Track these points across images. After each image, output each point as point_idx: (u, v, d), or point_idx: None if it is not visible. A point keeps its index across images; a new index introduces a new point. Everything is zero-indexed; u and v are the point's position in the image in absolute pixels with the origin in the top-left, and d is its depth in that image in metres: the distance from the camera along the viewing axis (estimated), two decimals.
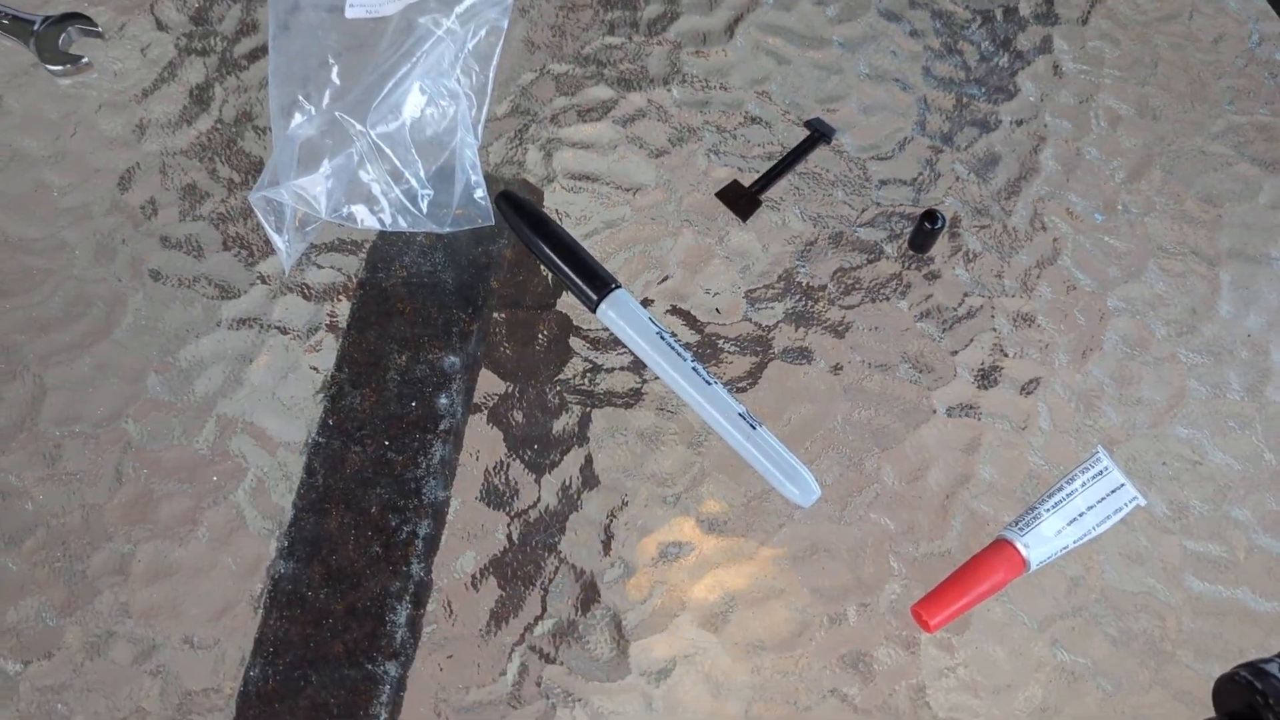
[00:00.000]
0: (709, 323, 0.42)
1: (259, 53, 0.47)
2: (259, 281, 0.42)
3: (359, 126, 0.41)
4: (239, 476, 0.39)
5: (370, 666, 0.36)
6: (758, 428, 0.39)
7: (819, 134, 0.46)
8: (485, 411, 0.40)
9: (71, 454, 0.39)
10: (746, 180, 0.45)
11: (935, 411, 0.41)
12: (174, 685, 0.36)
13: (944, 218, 0.42)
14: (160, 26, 0.48)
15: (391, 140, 0.41)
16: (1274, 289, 0.45)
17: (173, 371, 0.40)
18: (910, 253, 0.44)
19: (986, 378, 0.42)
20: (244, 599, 0.37)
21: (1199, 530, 0.40)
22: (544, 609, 0.37)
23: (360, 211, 0.41)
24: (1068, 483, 0.39)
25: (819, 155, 0.46)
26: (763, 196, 0.44)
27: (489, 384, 0.41)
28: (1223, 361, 0.43)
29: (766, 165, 0.45)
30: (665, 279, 0.43)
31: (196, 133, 0.45)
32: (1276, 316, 0.44)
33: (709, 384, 0.39)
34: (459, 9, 0.44)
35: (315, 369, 0.41)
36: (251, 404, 0.40)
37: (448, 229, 0.41)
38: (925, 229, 0.42)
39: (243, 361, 0.41)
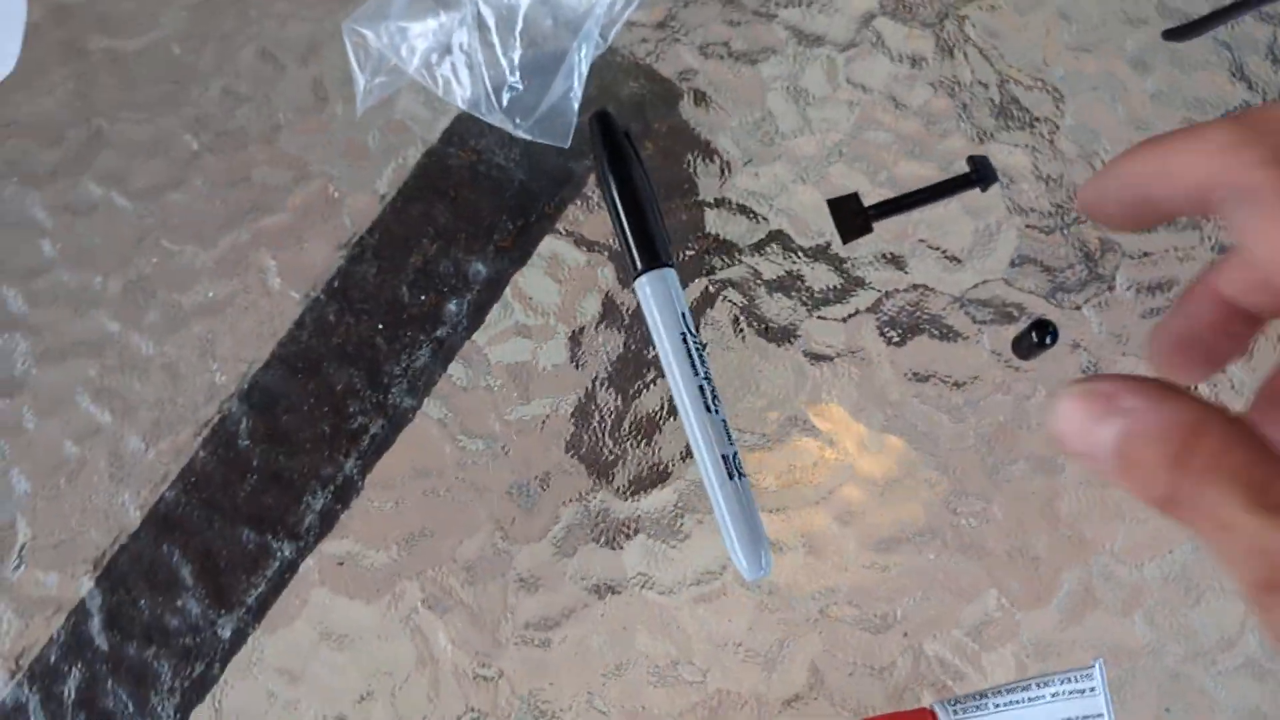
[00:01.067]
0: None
1: None
2: (326, 105, 0.40)
3: None
4: (238, 299, 0.38)
5: (270, 538, 0.36)
6: (735, 479, 0.35)
7: (977, 177, 0.38)
8: (489, 335, 0.38)
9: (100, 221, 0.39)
10: (875, 196, 0.39)
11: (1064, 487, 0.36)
12: (116, 455, 0.37)
13: (1056, 333, 0.35)
14: None
15: (505, 12, 0.37)
16: None
17: (207, 168, 0.39)
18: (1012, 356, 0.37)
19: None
20: (192, 423, 0.37)
21: None
22: (454, 559, 0.36)
23: (446, 80, 0.38)
24: (1041, 684, 0.34)
25: (972, 199, 0.39)
26: (876, 225, 0.38)
27: (501, 314, 0.38)
28: None
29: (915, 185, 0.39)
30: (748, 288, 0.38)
31: None
32: None
33: (709, 409, 0.35)
34: None
35: (346, 224, 0.39)
36: (287, 227, 0.39)
37: (520, 133, 0.38)
38: (1032, 341, 0.36)
39: (285, 190, 0.39)
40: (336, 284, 0.38)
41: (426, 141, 0.40)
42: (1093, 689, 0.34)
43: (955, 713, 0.33)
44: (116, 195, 0.39)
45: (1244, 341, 0.22)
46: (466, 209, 0.39)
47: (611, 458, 0.37)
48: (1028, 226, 0.39)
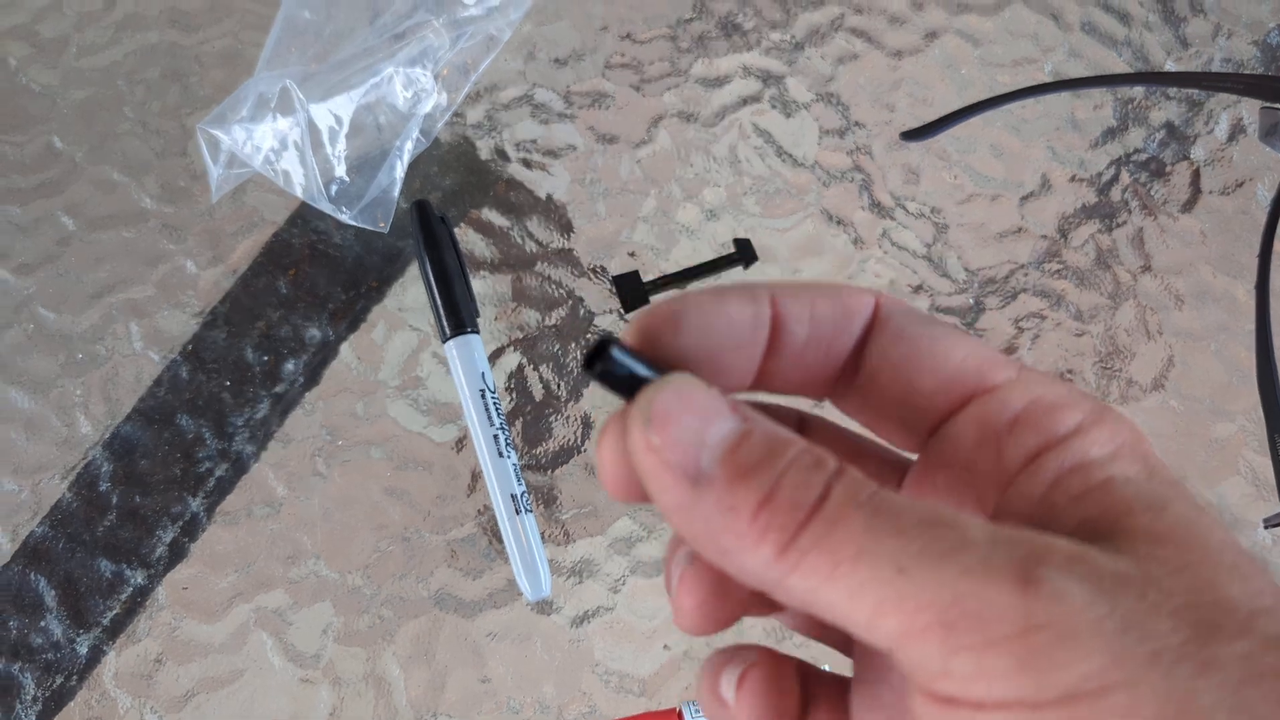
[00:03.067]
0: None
1: None
2: (186, 195, 0.46)
3: (302, 100, 0.43)
4: (104, 360, 0.44)
5: (124, 567, 0.42)
6: (522, 514, 0.41)
7: (740, 256, 0.45)
8: (320, 388, 0.44)
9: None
10: (652, 273, 0.45)
11: None
12: None
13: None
14: None
15: (334, 118, 0.44)
16: None
17: (79, 248, 0.46)
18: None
19: None
20: (60, 468, 0.43)
21: None
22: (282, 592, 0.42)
23: (285, 173, 0.44)
24: None
25: (737, 274, 0.46)
26: (654, 297, 0.45)
27: (335, 372, 0.44)
28: None
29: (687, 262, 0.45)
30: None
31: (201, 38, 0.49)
32: None
33: (502, 455, 0.42)
34: (468, 10, 0.45)
35: (201, 295, 0.45)
36: (149, 297, 0.45)
37: (347, 219, 0.44)
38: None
39: (149, 265, 0.45)
40: (190, 347, 0.44)
41: (273, 225, 0.46)
42: None
43: (698, 712, 0.40)
44: None
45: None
46: (305, 282, 0.45)
47: (430, 497, 0.43)
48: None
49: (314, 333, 0.45)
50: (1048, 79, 0.48)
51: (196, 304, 0.45)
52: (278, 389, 0.44)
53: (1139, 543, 0.16)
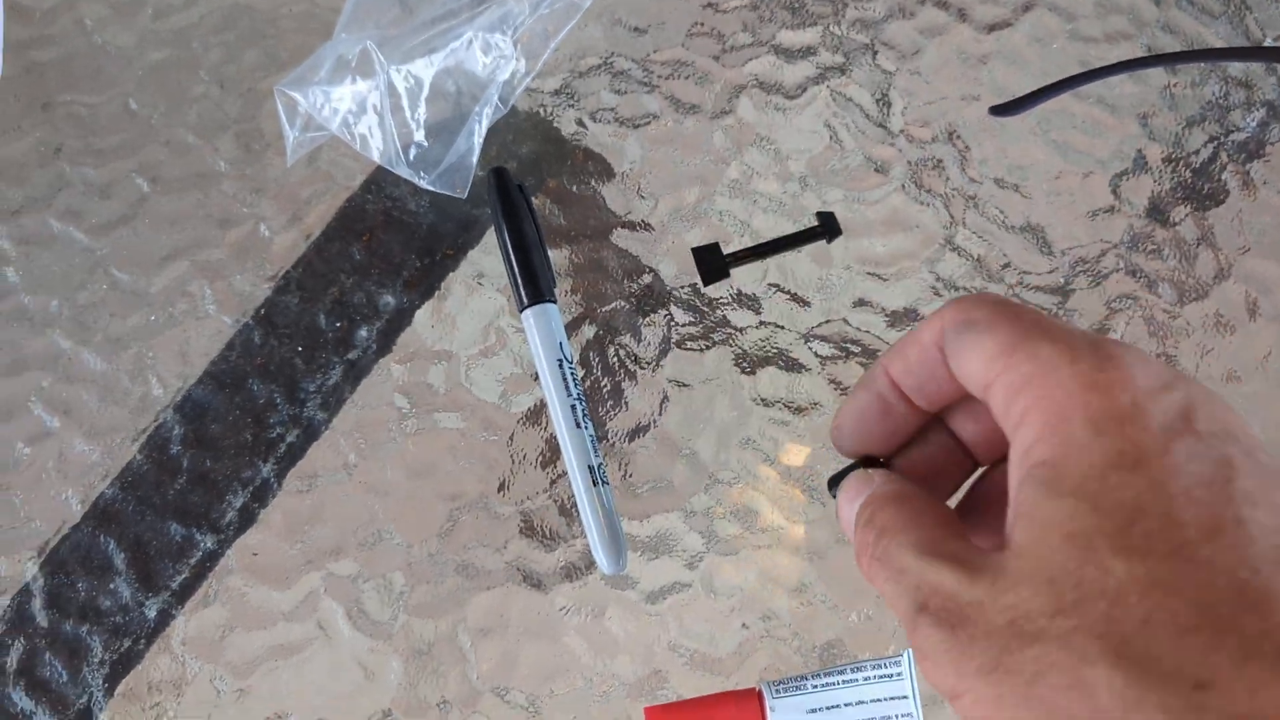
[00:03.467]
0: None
1: None
2: (261, 157, 0.46)
3: (383, 62, 0.43)
4: (176, 323, 0.44)
5: (194, 531, 0.41)
6: (600, 485, 0.40)
7: (824, 230, 0.44)
8: (393, 355, 0.43)
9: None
10: (733, 245, 0.44)
11: None
12: (64, 455, 0.42)
13: None
14: None
15: (413, 80, 0.43)
16: None
17: (154, 210, 0.45)
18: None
19: None
20: (131, 430, 0.42)
21: None
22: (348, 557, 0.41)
23: (362, 137, 0.44)
24: (854, 669, 0.39)
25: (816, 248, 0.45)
26: (734, 270, 0.44)
27: (408, 340, 0.44)
28: None
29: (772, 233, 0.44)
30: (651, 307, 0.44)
31: None
32: None
33: (579, 425, 0.41)
34: None
35: (274, 259, 0.44)
36: (222, 260, 0.44)
37: (424, 185, 0.43)
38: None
39: (223, 228, 0.45)
40: (263, 311, 0.44)
41: (348, 189, 0.45)
42: (899, 674, 0.39)
43: (778, 693, 0.38)
44: (74, 230, 0.45)
45: (906, 429, 0.27)
46: (379, 249, 0.45)
47: (504, 468, 0.42)
48: (868, 273, 0.44)
49: (388, 299, 0.44)
50: (1141, 54, 0.47)
51: (270, 268, 0.44)
52: (350, 355, 0.43)
53: None
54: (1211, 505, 0.19)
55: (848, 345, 0.43)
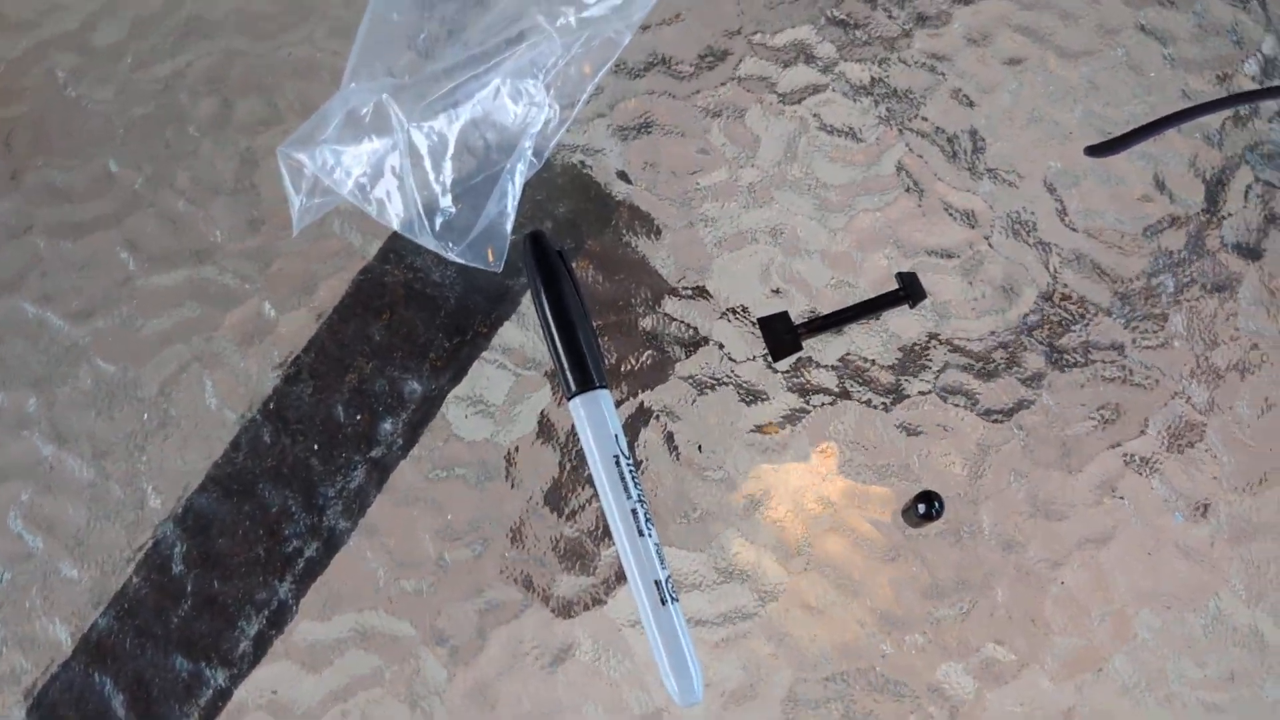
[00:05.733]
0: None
1: None
2: (262, 226, 0.40)
3: (401, 118, 0.37)
4: (173, 421, 0.38)
5: (203, 665, 0.36)
6: (668, 604, 0.35)
7: (905, 293, 0.39)
8: (436, 443, 0.38)
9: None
10: (800, 314, 0.39)
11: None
12: (48, 581, 0.37)
13: (942, 504, 0.36)
14: None
15: (436, 137, 0.38)
16: None
17: (142, 290, 0.40)
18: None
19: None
20: (125, 548, 0.37)
21: None
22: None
23: (379, 202, 0.38)
24: None
25: (900, 317, 0.39)
26: (806, 343, 0.39)
27: (439, 427, 0.38)
28: None
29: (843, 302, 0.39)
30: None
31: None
32: None
33: (642, 534, 0.36)
34: (583, 11, 0.39)
35: (284, 342, 0.39)
36: (223, 347, 0.39)
37: (453, 257, 0.38)
38: (918, 513, 0.36)
39: (222, 309, 0.39)
40: (272, 404, 0.38)
41: (363, 260, 0.40)
42: None
43: None
44: (51, 315, 0.39)
45: None
46: (402, 327, 0.39)
47: (546, 577, 0.37)
48: (951, 350, 0.39)
49: (413, 386, 0.39)
50: (1250, 82, 0.42)
51: (277, 354, 0.39)
52: (374, 453, 0.38)
53: None
54: None
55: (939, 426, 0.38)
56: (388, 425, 0.38)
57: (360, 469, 0.38)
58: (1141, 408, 0.39)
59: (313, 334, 0.39)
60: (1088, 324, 0.39)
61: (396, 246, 0.40)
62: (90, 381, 0.39)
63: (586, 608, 0.37)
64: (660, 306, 0.40)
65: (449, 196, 0.38)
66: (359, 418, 0.38)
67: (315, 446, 0.38)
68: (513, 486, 0.38)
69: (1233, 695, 0.36)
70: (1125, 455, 0.38)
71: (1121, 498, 0.38)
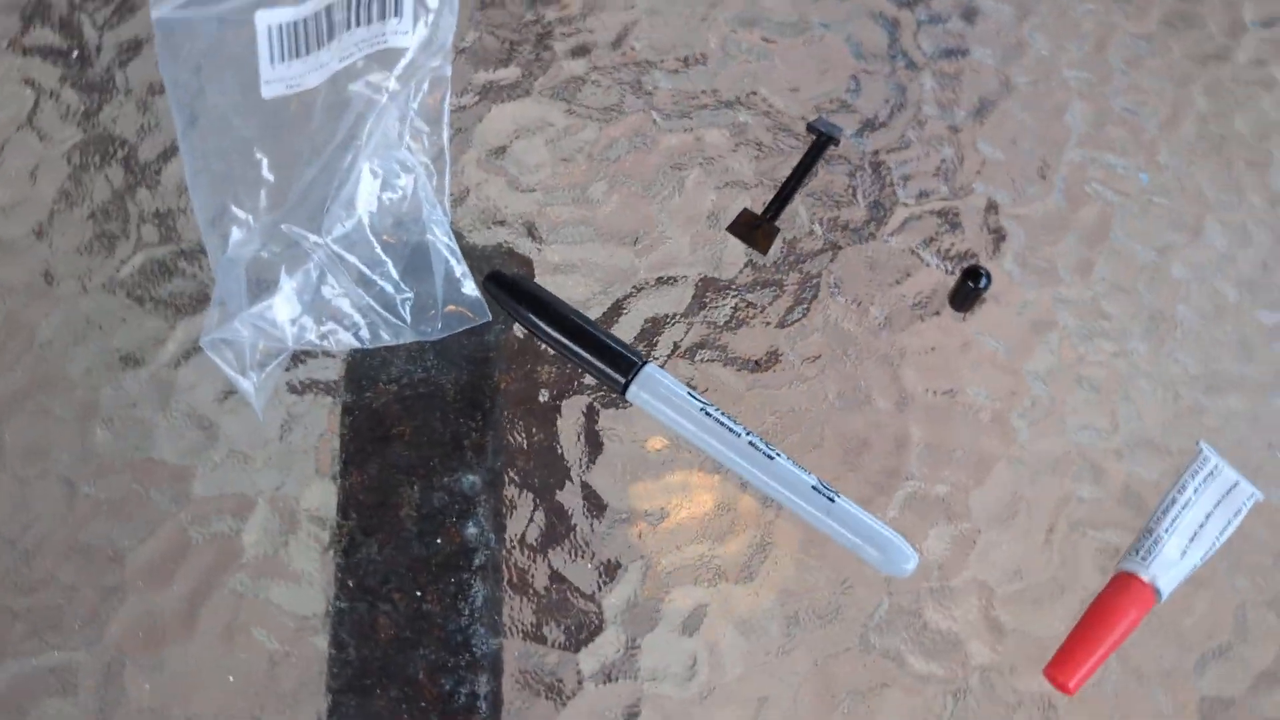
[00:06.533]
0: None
1: (170, 153, 0.40)
2: (220, 440, 0.36)
3: (313, 237, 0.35)
4: (255, 675, 0.33)
5: None
6: (836, 500, 0.34)
7: (825, 136, 0.40)
8: (521, 533, 0.35)
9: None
10: (757, 206, 0.40)
11: (1015, 431, 0.37)
12: None
13: (988, 275, 0.37)
14: (42, 137, 0.41)
15: (351, 242, 0.35)
16: None
17: (146, 567, 0.34)
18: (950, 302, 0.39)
19: (1060, 383, 0.38)
20: None
21: None
22: None
23: (333, 332, 0.35)
24: (1179, 492, 0.35)
25: (829, 160, 0.41)
26: (779, 222, 0.39)
27: (519, 499, 0.36)
28: None
29: (772, 185, 0.40)
30: (698, 341, 0.38)
31: (113, 269, 0.38)
32: None
33: (771, 458, 0.35)
34: (398, 67, 0.38)
35: (318, 521, 0.35)
36: (251, 581, 0.34)
37: (439, 334, 0.36)
38: (968, 289, 0.37)
39: (230, 536, 0.35)
40: (350, 581, 0.34)
41: (342, 400, 0.36)
42: (1216, 467, 0.36)
43: (1144, 560, 0.34)
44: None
45: None
46: (422, 436, 0.36)
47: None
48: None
49: (470, 479, 0.36)
50: None
51: (316, 542, 0.35)
52: (476, 562, 0.35)
53: None
54: None
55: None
56: (472, 529, 0.35)
57: (476, 584, 0.34)
58: None
59: (338, 497, 0.35)
60: None
61: (362, 368, 0.37)
62: None
63: None
64: (636, 277, 0.39)
65: (398, 285, 0.36)
66: (438, 542, 0.35)
67: (418, 593, 0.34)
68: (600, 518, 0.35)
69: None
70: None
71: None
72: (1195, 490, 0.35)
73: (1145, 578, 0.34)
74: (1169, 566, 0.34)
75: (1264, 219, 0.41)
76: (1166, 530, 0.34)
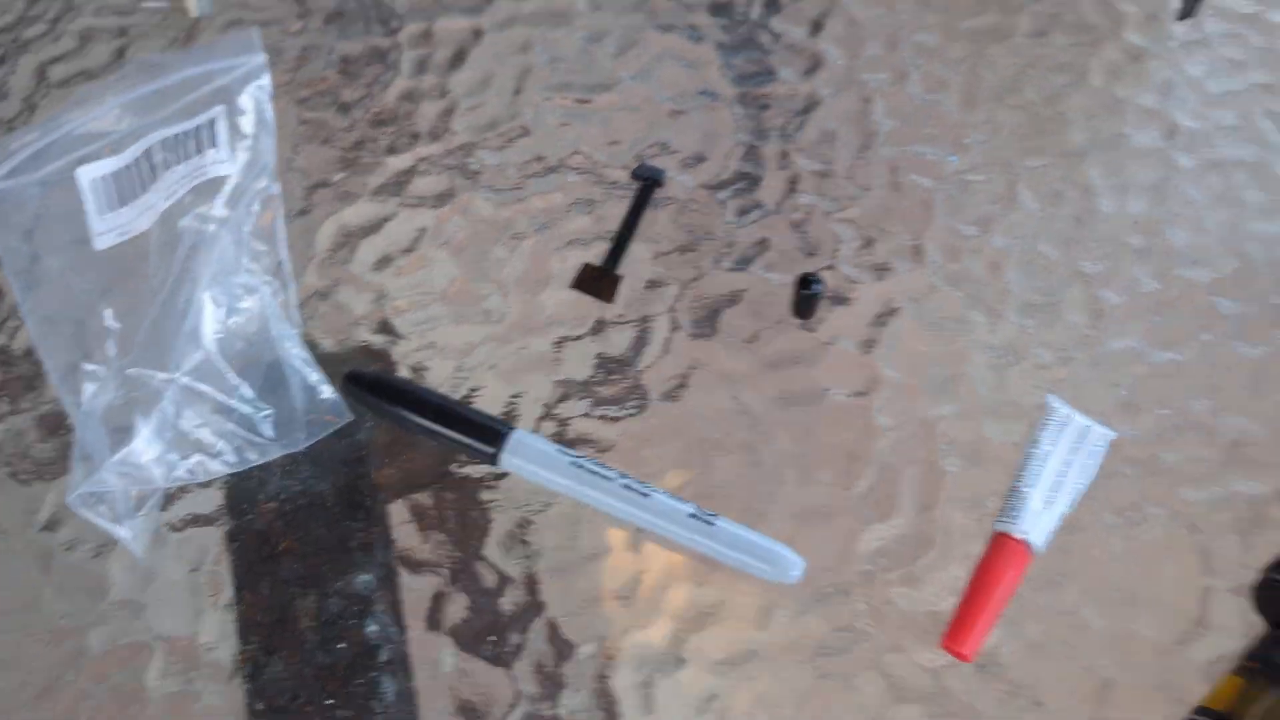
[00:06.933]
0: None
1: (12, 321, 0.41)
2: (114, 579, 0.36)
3: (161, 375, 0.35)
4: None
5: None
6: (715, 522, 0.35)
7: (649, 180, 0.42)
8: (424, 620, 0.36)
9: None
10: (598, 258, 0.41)
11: (879, 422, 0.38)
12: None
13: (820, 279, 0.39)
14: None
15: (203, 373, 0.36)
16: (1140, 165, 0.43)
17: None
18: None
19: (912, 367, 0.39)
20: None
21: (1176, 440, 0.38)
22: None
23: (200, 463, 0.36)
24: (1034, 446, 0.37)
25: (657, 202, 0.42)
26: (620, 270, 0.40)
27: (415, 587, 0.36)
28: (1123, 259, 0.41)
29: (609, 236, 0.41)
30: (562, 396, 0.39)
31: None
32: (1153, 192, 0.43)
33: (647, 495, 0.36)
34: (223, 195, 0.39)
35: (217, 651, 0.35)
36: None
37: (305, 443, 0.36)
38: (804, 296, 0.39)
39: (133, 684, 0.35)
40: (260, 706, 0.34)
41: (222, 525, 0.37)
42: (1066, 415, 0.37)
43: (1013, 518, 0.35)
44: None
45: None
46: (306, 546, 0.37)
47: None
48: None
49: (364, 577, 0.36)
50: None
51: (219, 668, 0.35)
52: (382, 658, 0.35)
53: None
54: None
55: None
56: (373, 627, 0.35)
57: (384, 680, 0.35)
58: None
59: (236, 615, 0.36)
60: None
61: (238, 496, 0.37)
62: None
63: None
64: (492, 349, 0.40)
65: (256, 404, 0.36)
66: (341, 646, 0.35)
67: (328, 701, 0.34)
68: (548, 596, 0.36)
69: None
70: None
71: None
72: (1051, 441, 0.37)
73: (1017, 535, 0.35)
74: (1036, 519, 0.35)
75: (1070, 177, 0.43)
76: (1028, 485, 0.36)
